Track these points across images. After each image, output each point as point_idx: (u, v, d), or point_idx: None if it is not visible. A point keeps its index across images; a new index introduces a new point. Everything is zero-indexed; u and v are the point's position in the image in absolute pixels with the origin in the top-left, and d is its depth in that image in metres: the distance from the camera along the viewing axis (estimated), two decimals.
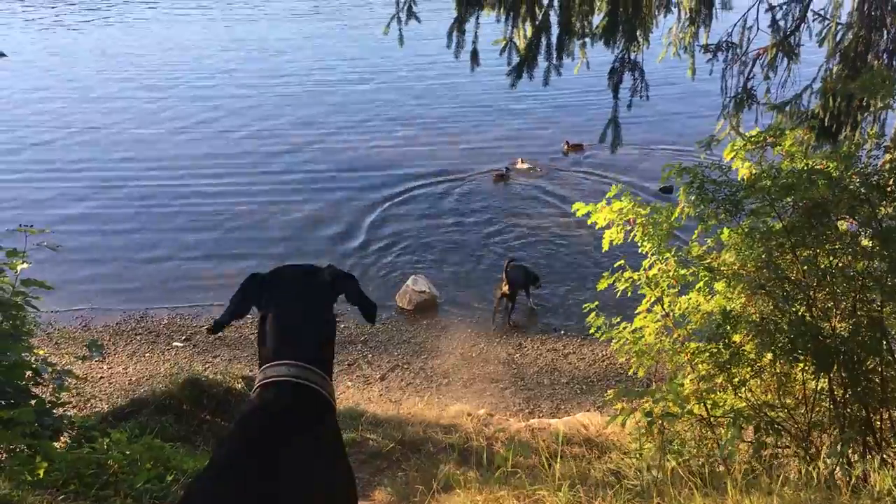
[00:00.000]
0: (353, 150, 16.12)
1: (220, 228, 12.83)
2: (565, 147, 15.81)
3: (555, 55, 4.94)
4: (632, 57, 5.16)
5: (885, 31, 6.82)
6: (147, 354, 9.36)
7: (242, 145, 16.32)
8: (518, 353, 9.58)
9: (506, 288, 10.21)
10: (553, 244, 12.28)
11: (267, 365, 2.10)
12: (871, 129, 6.89)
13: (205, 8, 29.75)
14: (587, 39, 5.13)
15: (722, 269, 5.22)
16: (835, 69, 7.02)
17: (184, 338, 9.79)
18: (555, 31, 5.61)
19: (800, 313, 4.63)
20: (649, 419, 4.23)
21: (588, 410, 8.32)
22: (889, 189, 5.00)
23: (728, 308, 5.03)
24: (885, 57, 6.89)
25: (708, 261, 5.37)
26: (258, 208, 13.53)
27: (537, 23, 4.95)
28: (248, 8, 29.80)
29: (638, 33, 5.69)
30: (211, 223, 12.99)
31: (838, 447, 4.63)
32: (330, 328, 2.28)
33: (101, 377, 8.78)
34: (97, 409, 7.39)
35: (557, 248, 12.14)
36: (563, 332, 10.10)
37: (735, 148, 6.26)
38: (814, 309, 4.81)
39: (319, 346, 2.21)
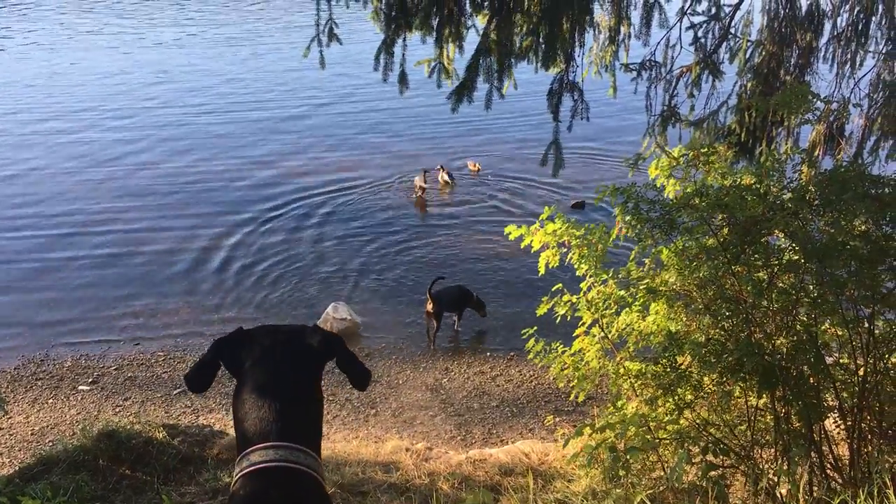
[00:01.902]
0: (258, 173, 15.59)
1: (118, 263, 12.11)
2: (471, 166, 15.71)
3: (495, 77, 4.82)
4: (570, 78, 5.09)
5: (796, 47, 7.01)
6: (50, 401, 8.72)
7: (137, 175, 15.51)
8: (445, 378, 9.39)
9: (430, 307, 10.04)
10: (473, 261, 12.18)
11: (251, 449, 1.80)
12: (786, 144, 7.06)
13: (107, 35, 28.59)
14: (523, 61, 5.02)
15: (661, 288, 5.18)
16: (748, 85, 7.17)
17: (90, 380, 9.17)
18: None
19: (745, 333, 4.60)
20: (614, 454, 4.09)
21: (521, 433, 8.22)
22: (815, 203, 5.07)
23: (672, 329, 4.98)
24: (796, 72, 7.07)
25: (646, 281, 5.33)
26: (159, 239, 12.86)
27: (478, 45, 4.82)
28: (162, 33, 28.73)
29: (559, 52, 5.63)
30: (109, 257, 12.27)
31: (785, 466, 4.65)
32: (320, 399, 2.00)
33: (1, 429, 8.11)
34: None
35: (477, 265, 12.03)
36: (488, 353, 9.99)
37: (660, 166, 6.30)
38: (753, 326, 4.81)
39: (310, 423, 1.92)
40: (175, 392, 8.91)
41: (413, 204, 14.34)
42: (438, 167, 15.01)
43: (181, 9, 32.00)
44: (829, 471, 4.86)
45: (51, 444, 7.64)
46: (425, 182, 14.35)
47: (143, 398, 8.78)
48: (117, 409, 8.49)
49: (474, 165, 15.61)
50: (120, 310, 10.79)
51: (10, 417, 8.31)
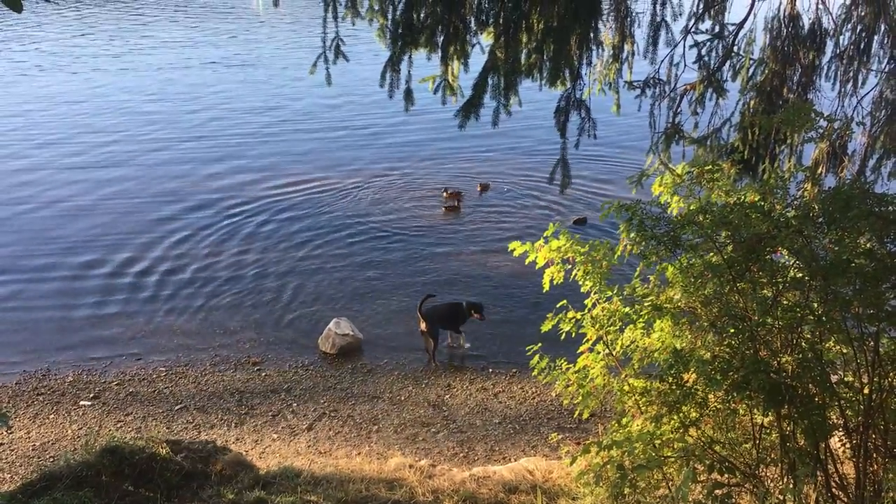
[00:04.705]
0: (258, 190, 15.69)
1: (120, 278, 12.10)
2: (479, 187, 15.82)
3: (502, 95, 4.84)
4: (577, 95, 5.11)
5: (798, 65, 7.04)
6: (52, 416, 8.68)
7: (140, 191, 15.65)
8: (448, 395, 9.36)
9: (422, 326, 10.06)
10: (477, 277, 12.18)
11: None
12: (790, 161, 7.08)
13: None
14: (530, 79, 5.05)
15: (666, 306, 5.17)
16: (752, 103, 7.19)
17: (92, 395, 9.14)
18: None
19: (750, 350, 4.59)
20: (621, 472, 4.08)
21: (523, 450, 8.18)
22: (819, 221, 5.07)
23: (678, 346, 4.97)
24: (798, 90, 7.10)
25: (651, 298, 5.32)
26: (161, 256, 12.88)
27: (485, 63, 4.85)
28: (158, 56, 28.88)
29: (565, 70, 5.65)
30: (112, 272, 12.27)
31: (791, 485, 4.63)
32: None
33: (1, 444, 8.07)
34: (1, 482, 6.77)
35: (481, 282, 12.03)
36: (491, 370, 9.96)
37: (664, 183, 6.32)
38: (759, 344, 4.80)
39: None
40: (177, 407, 8.89)
41: (446, 215, 14.67)
42: (444, 190, 15.22)
43: (174, 22, 32.22)
44: (834, 489, 4.84)
45: (52, 459, 7.62)
46: (448, 195, 14.98)
47: (144, 413, 8.76)
48: (119, 425, 8.46)
49: (480, 186, 15.76)
50: (122, 325, 10.79)
51: (11, 432, 8.28)
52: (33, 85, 23.22)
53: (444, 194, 15.11)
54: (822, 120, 6.31)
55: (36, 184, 15.71)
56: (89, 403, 8.99)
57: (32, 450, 8.01)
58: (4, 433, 8.21)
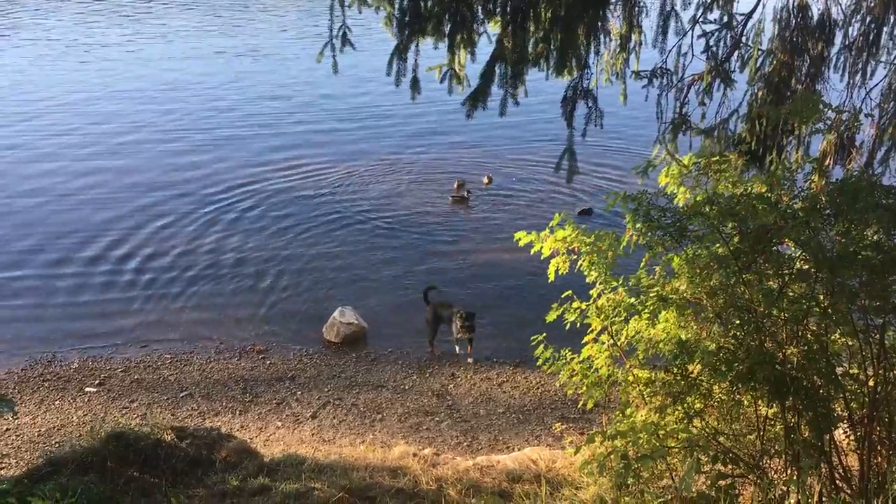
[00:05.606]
0: (267, 182, 15.72)
1: (126, 266, 12.15)
2: (484, 180, 15.77)
3: (510, 84, 4.82)
4: (584, 85, 5.09)
5: (807, 56, 6.99)
6: (57, 402, 8.73)
7: (145, 180, 15.72)
8: (452, 384, 9.37)
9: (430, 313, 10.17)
10: (482, 268, 12.21)
11: None
12: (797, 153, 7.04)
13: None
14: (537, 69, 5.02)
15: (672, 297, 5.16)
16: (760, 94, 7.15)
17: (97, 382, 9.18)
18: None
19: (756, 342, 4.59)
20: (625, 462, 4.08)
21: (527, 440, 8.20)
22: (827, 213, 5.06)
23: (683, 337, 4.96)
24: (807, 81, 7.05)
25: (657, 289, 5.31)
26: (166, 244, 12.93)
27: (492, 52, 4.83)
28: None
29: (572, 60, 5.62)
30: (117, 260, 12.32)
31: (795, 477, 4.63)
32: None
33: (7, 429, 8.12)
34: (5, 468, 6.80)
35: (486, 272, 12.05)
36: (495, 360, 9.97)
37: (670, 173, 6.30)
38: (764, 335, 4.80)
39: None
40: (181, 395, 8.92)
41: (454, 206, 14.68)
42: (455, 184, 15.23)
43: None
44: (838, 481, 4.84)
45: (57, 444, 7.66)
46: (458, 191, 14.93)
47: (149, 400, 8.79)
48: (124, 412, 8.49)
49: (486, 178, 15.72)
50: (127, 312, 10.83)
51: (17, 418, 8.32)
52: (43, 74, 23.20)
53: (456, 185, 15.08)
54: (830, 111, 6.28)
55: (45, 175, 15.73)
56: (94, 390, 9.03)
57: (38, 435, 8.05)
58: (10, 419, 8.25)
